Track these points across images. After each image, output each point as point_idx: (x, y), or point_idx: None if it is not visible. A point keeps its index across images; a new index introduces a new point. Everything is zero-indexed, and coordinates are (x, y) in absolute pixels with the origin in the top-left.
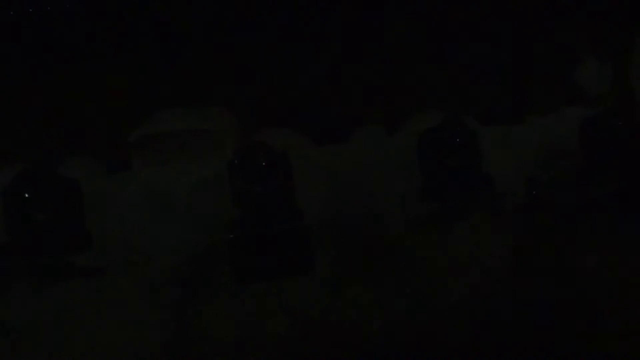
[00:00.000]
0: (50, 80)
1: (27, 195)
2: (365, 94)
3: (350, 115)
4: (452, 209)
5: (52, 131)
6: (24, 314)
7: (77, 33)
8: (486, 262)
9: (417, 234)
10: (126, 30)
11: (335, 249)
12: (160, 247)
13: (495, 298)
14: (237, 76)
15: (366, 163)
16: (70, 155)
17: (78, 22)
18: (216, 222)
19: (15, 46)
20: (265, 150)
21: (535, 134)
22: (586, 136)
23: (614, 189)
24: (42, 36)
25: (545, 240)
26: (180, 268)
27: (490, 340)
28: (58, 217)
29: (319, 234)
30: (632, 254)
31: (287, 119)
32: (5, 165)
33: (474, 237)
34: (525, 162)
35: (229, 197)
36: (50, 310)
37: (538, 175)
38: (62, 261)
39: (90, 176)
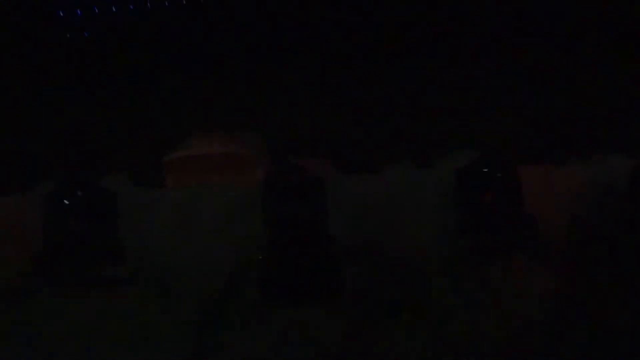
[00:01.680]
0: (96, 103)
1: (66, 203)
2: (399, 127)
3: (383, 148)
4: (489, 246)
5: (92, 149)
6: (51, 320)
7: (118, 59)
8: (524, 303)
9: (451, 270)
10: (164, 56)
11: (364, 280)
12: (188, 265)
13: (532, 340)
14: (270, 103)
15: (399, 196)
16: (108, 173)
17: (121, 48)
18: (246, 243)
19: (64, 71)
20: (300, 173)
21: (580, 173)
22: (636, 176)
23: None
24: (88, 62)
25: (588, 280)
26: (207, 287)
27: None
28: (93, 227)
29: (348, 264)
30: None
31: (320, 147)
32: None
33: (512, 276)
34: (569, 201)
35: (260, 218)
36: (76, 319)
37: (583, 215)
38: (93, 271)
39: (125, 192)
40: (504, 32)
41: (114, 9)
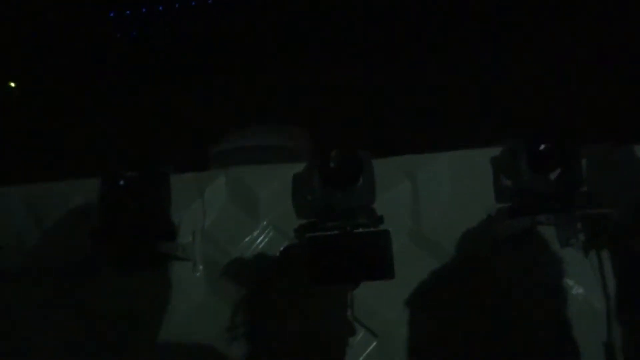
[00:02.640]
0: (149, 95)
1: (122, 183)
2: (448, 116)
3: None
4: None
5: (148, 142)
6: (109, 298)
7: (166, 55)
8: (576, 291)
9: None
10: (214, 52)
11: (412, 263)
12: (238, 244)
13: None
14: (315, 97)
15: (447, 178)
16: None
17: (169, 45)
18: (295, 224)
19: (116, 66)
20: (347, 151)
21: None
22: None
23: None
24: (138, 59)
25: None
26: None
27: None
28: (148, 206)
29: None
30: None
31: (364, 139)
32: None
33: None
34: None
35: (308, 201)
36: (132, 297)
37: None
38: (148, 248)
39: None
40: None
41: (160, 8)
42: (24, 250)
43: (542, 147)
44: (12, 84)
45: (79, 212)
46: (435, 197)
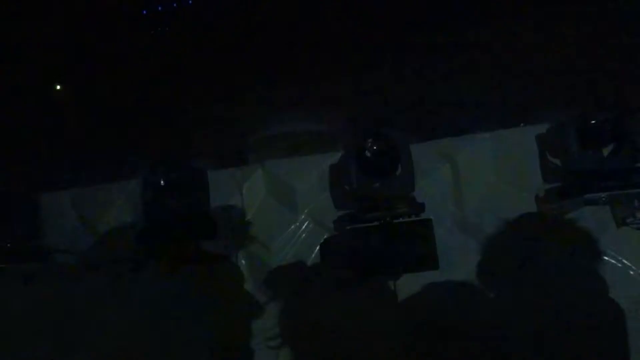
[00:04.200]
0: (183, 87)
1: (162, 182)
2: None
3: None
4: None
5: (182, 133)
6: (151, 294)
7: (202, 47)
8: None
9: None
10: (250, 39)
11: (456, 250)
12: (278, 238)
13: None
14: (351, 81)
15: (489, 159)
16: (198, 155)
17: (202, 39)
18: (334, 217)
19: (149, 64)
20: (383, 139)
21: None
22: None
23: None
24: (170, 55)
25: None
26: (296, 259)
27: None
28: (188, 205)
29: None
30: None
31: (399, 123)
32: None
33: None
34: None
35: (346, 191)
36: (177, 294)
37: None
38: (189, 247)
39: (214, 170)
40: None
41: (190, 2)
42: (75, 252)
43: (593, 121)
44: (58, 87)
45: (123, 213)
46: (477, 181)
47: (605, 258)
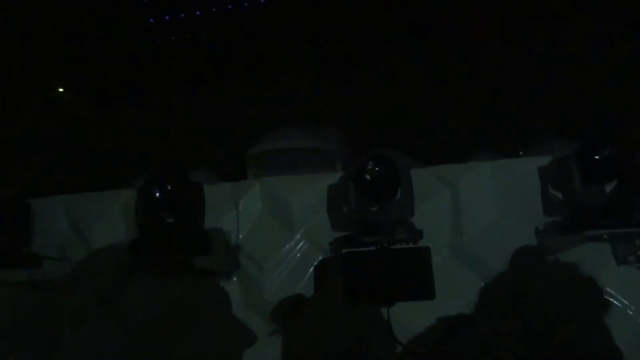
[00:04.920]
0: (183, 101)
1: (157, 195)
2: (483, 120)
3: (464, 138)
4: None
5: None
6: (137, 308)
7: (202, 60)
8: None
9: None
10: (249, 56)
11: (452, 279)
12: (272, 257)
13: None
14: (350, 100)
15: (490, 189)
16: (197, 167)
17: (204, 50)
18: (330, 237)
19: (152, 73)
20: (384, 163)
21: None
22: None
23: None
24: (175, 64)
25: None
26: (289, 280)
27: None
28: (183, 219)
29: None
30: None
31: (397, 142)
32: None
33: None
34: None
35: (343, 213)
36: (167, 306)
37: None
38: (181, 261)
39: (211, 185)
40: None
41: (197, 13)
42: (65, 261)
43: (597, 156)
44: (61, 89)
45: (116, 222)
46: (477, 210)
47: (605, 297)
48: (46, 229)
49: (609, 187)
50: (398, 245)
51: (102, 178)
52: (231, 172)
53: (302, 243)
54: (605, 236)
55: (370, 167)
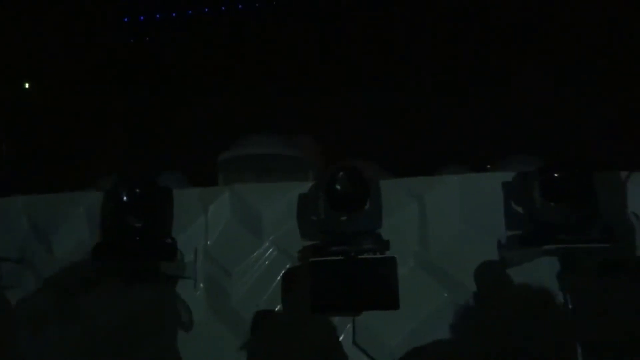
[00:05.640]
0: (153, 104)
1: (125, 199)
2: (453, 133)
3: (435, 150)
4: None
5: (152, 150)
6: (109, 312)
7: (176, 62)
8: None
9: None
10: (223, 61)
11: (418, 289)
12: (240, 264)
13: None
14: (324, 108)
15: (456, 202)
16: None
17: (180, 52)
18: (298, 246)
19: (125, 73)
20: (354, 174)
21: None
22: None
23: None
24: (148, 65)
25: None
26: (257, 287)
27: None
28: (150, 223)
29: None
30: None
31: (371, 151)
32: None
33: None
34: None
35: (313, 222)
36: (131, 311)
37: None
38: (147, 266)
39: (181, 189)
40: None
41: (173, 15)
42: (24, 263)
43: (556, 174)
44: (27, 85)
45: (80, 225)
46: (443, 222)
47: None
48: (4, 229)
49: (567, 205)
50: (365, 255)
51: (64, 179)
52: (202, 176)
53: (270, 250)
54: (562, 250)
55: (340, 177)
